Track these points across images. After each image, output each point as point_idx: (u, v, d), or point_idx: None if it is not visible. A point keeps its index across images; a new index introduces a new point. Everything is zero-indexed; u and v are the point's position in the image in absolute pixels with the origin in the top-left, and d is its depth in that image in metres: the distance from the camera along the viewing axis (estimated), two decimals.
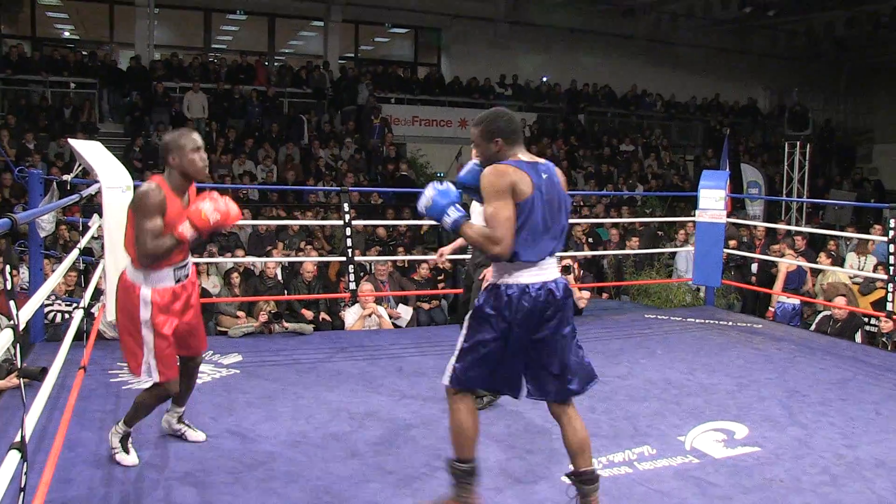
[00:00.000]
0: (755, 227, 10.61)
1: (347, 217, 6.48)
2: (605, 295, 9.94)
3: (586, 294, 8.03)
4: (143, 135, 14.22)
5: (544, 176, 3.04)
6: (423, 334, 6.92)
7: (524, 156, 3.06)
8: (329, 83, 17.02)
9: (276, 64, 18.48)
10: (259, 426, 4.28)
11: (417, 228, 11.49)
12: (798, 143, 15.59)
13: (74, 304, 6.29)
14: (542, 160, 3.12)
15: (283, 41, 19.68)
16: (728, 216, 8.16)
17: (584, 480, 3.15)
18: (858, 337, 7.74)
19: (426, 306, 8.91)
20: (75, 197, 4.65)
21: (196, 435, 4.01)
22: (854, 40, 21.24)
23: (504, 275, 3.07)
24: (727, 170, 9.12)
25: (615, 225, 11.28)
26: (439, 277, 9.49)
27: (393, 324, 7.91)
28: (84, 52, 16.39)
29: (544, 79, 19.92)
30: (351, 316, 7.59)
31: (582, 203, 14.83)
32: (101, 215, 4.82)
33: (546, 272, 3.05)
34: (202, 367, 5.34)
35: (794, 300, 8.60)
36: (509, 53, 19.51)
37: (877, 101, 23.07)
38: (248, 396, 4.77)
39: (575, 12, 19.11)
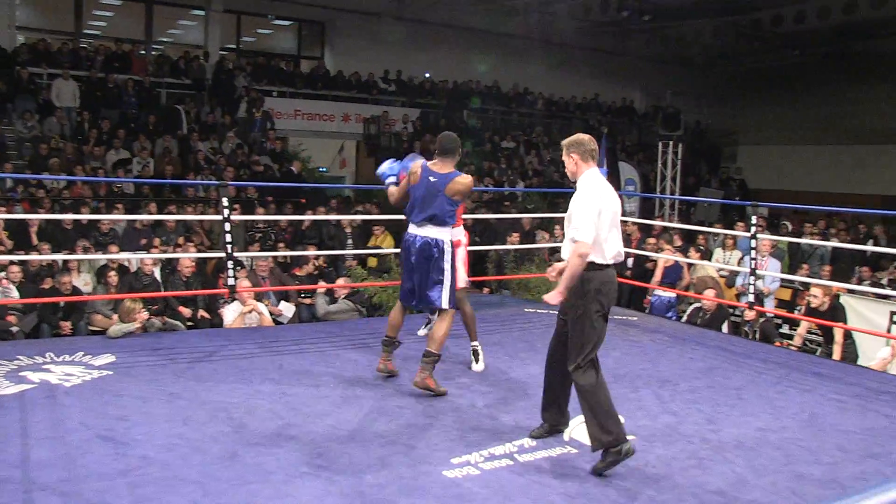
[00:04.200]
0: (631, 223, 10.98)
1: (226, 212, 6.31)
2: (486, 290, 10.08)
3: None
4: (5, 123, 13.41)
5: (432, 179, 4.85)
6: (305, 331, 6.82)
7: (435, 166, 4.91)
8: (208, 74, 16.52)
9: (153, 53, 17.77)
10: (133, 430, 4.10)
11: (299, 224, 11.32)
12: (671, 142, 16.24)
13: None
14: (444, 171, 4.87)
15: (161, 30, 18.93)
16: None
17: (425, 354, 4.88)
18: (725, 327, 8.15)
19: (308, 302, 8.79)
20: None
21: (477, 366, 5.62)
22: (720, 48, 22.39)
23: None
24: (605, 167, 9.41)
25: (499, 220, 11.42)
26: (316, 273, 9.39)
27: (274, 320, 7.76)
28: None
29: (427, 75, 20.00)
30: (230, 313, 7.40)
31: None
32: None
33: (419, 230, 4.88)
34: (71, 370, 5.11)
35: (670, 293, 8.96)
36: (393, 49, 19.47)
37: (741, 105, 24.35)
38: (121, 399, 4.57)
39: (460, 10, 19.25)
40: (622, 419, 3.85)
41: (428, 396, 4.87)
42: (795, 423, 4.65)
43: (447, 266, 4.86)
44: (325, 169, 17.50)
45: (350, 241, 11.08)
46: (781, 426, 4.59)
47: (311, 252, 9.44)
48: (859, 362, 7.35)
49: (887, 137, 20.54)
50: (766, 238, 8.92)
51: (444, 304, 4.88)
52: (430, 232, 4.86)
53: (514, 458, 3.95)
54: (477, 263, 10.51)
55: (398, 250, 9.95)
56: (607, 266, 3.94)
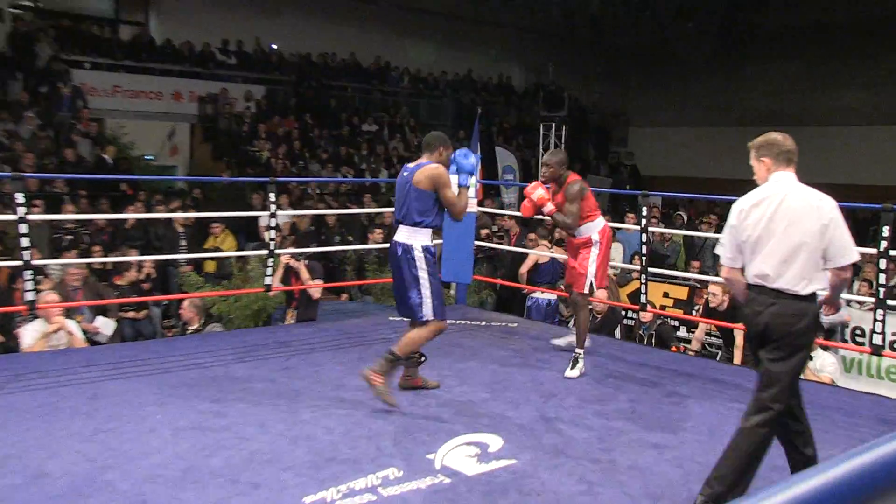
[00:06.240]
0: (508, 216, 11.17)
1: (21, 210, 5.96)
2: (344, 296, 9.99)
3: (317, 292, 8.13)
4: None
5: (405, 174, 5.20)
6: (126, 352, 6.52)
7: (412, 163, 5.28)
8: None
9: None
10: None
11: (121, 223, 10.88)
12: (553, 124, 16.62)
13: None
14: (418, 162, 5.22)
15: None
16: (480, 204, 8.50)
17: (387, 351, 5.16)
18: (618, 332, 8.39)
19: (132, 316, 8.47)
20: None
21: None
22: (608, 20, 23.14)
23: None
24: (478, 153, 9.49)
25: (349, 217, 11.34)
26: (144, 283, 9.08)
27: (89, 340, 7.43)
28: None
29: (273, 46, 19.70)
30: (30, 334, 7.01)
31: (319, 191, 14.85)
32: None
33: (396, 235, 5.20)
34: None
35: (550, 295, 9.14)
36: (234, 15, 19.08)
37: (632, 84, 25.29)
38: None
39: None
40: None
41: (280, 424, 4.75)
42: (693, 438, 4.81)
43: (422, 273, 5.10)
44: (151, 157, 16.90)
45: (183, 243, 10.76)
46: (679, 441, 4.73)
47: (135, 258, 9.10)
48: None
49: (788, 119, 21.78)
50: (658, 231, 9.25)
51: (428, 314, 5.11)
52: (402, 235, 5.16)
53: (377, 492, 3.89)
54: (333, 266, 10.43)
55: (241, 253, 9.89)
56: (749, 286, 3.83)
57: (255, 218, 11.50)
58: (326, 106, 19.33)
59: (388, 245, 9.97)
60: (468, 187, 5.31)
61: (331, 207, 13.53)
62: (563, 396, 5.51)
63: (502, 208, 14.03)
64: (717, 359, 7.86)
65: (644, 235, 7.25)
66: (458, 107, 21.43)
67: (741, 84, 22.83)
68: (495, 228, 11.49)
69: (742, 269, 3.85)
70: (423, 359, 5.56)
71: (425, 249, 5.13)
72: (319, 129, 18.10)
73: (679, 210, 14.86)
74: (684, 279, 9.68)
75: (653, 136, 24.43)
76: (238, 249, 10.81)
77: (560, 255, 9.48)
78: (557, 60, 22.19)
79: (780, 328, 3.66)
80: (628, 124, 25.62)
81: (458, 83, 22.25)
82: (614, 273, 9.88)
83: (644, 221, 7.21)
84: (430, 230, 5.19)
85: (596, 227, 6.22)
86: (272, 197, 7.32)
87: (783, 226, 3.67)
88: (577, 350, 6.13)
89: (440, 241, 7.82)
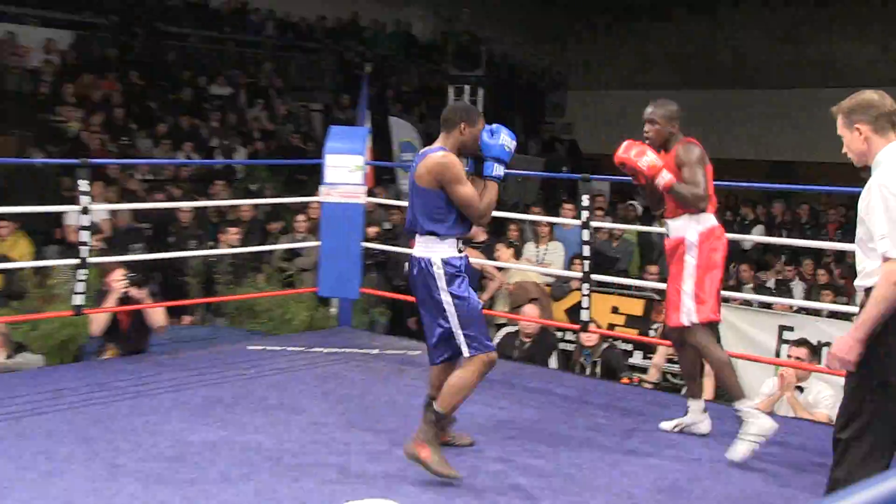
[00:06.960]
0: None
1: None
2: (187, 318, 9.87)
3: (160, 318, 7.92)
4: None
5: (414, 164, 5.15)
6: None
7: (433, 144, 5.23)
8: None
9: None
10: None
11: None
12: (467, 86, 16.68)
13: None
14: (426, 148, 5.26)
15: None
16: (370, 193, 8.50)
17: (427, 411, 5.13)
18: (554, 360, 8.47)
19: None
20: None
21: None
22: None
23: None
24: (368, 125, 9.52)
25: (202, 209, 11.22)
26: None
27: None
28: None
29: None
30: None
31: (152, 176, 14.66)
32: None
33: (416, 248, 5.12)
34: None
35: None
36: None
37: (571, 34, 25.46)
38: None
39: None
40: None
41: (92, 497, 4.67)
42: (650, 498, 4.90)
43: (444, 296, 5.02)
44: None
45: None
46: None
47: None
48: None
49: (774, 79, 22.16)
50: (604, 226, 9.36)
51: (464, 350, 5.05)
52: (418, 249, 5.14)
53: None
54: (178, 280, 10.32)
55: (40, 263, 9.66)
56: None
57: (61, 214, 11.30)
58: (161, 60, 19.06)
59: (248, 249, 10.06)
60: (497, 179, 5.15)
61: (174, 199, 13.28)
62: (480, 447, 5.54)
63: (398, 198, 13.99)
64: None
65: (586, 232, 7.34)
66: (340, 63, 21.37)
67: (713, 34, 23.17)
68: (388, 226, 11.49)
69: None
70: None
71: (446, 263, 5.01)
72: (151, 93, 17.84)
73: (633, 199, 15.05)
74: (639, 289, 9.81)
75: (599, 103, 24.56)
76: (36, 257, 10.57)
77: (475, 258, 9.56)
78: (473, 3, 22.30)
79: None
80: (567, 86, 25.79)
81: (341, 32, 22.19)
82: (547, 283, 9.99)
83: (586, 214, 7.30)
84: (453, 238, 5.07)
85: (697, 224, 5.66)
86: (84, 185, 7.20)
87: None
88: (739, 405, 5.53)
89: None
